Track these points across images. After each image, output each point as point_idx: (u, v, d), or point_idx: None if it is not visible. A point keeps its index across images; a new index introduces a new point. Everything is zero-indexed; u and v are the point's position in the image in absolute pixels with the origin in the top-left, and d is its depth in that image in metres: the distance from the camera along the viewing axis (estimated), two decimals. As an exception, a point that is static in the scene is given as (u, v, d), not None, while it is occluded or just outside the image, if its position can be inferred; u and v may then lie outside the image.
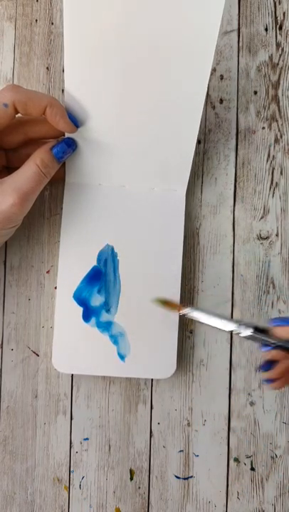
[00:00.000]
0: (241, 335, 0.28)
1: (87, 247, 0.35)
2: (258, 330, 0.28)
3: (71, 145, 0.33)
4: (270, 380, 0.30)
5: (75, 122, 0.31)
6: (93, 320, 0.35)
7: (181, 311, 0.31)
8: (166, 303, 0.34)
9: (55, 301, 0.36)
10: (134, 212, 0.35)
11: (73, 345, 0.35)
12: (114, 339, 0.35)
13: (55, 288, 0.36)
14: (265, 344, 0.28)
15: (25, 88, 0.30)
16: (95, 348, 0.35)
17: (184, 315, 0.31)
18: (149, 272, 0.35)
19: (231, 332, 0.28)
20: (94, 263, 0.35)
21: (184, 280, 0.36)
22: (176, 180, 0.35)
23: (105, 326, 0.35)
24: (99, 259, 0.35)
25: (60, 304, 0.35)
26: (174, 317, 0.35)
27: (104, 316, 0.35)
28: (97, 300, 0.35)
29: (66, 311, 0.35)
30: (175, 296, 0.35)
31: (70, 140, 0.33)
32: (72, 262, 0.35)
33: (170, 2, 0.27)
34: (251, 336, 0.28)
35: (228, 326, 0.28)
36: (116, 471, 0.36)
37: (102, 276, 0.35)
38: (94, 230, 0.35)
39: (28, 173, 0.31)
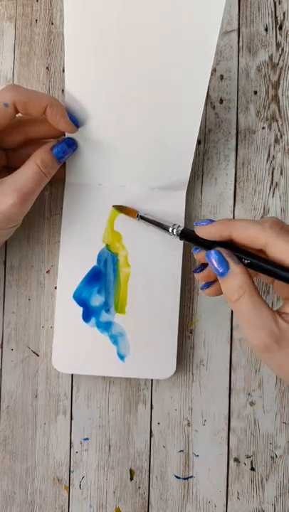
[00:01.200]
0: (174, 235, 0.31)
1: (87, 247, 0.35)
2: (185, 232, 0.31)
3: (71, 145, 0.33)
4: (204, 285, 0.31)
5: (76, 122, 0.31)
6: (93, 320, 0.35)
7: (135, 217, 0.34)
8: (122, 209, 0.35)
9: (55, 301, 0.36)
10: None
11: (73, 345, 0.35)
12: (114, 339, 0.35)
13: (55, 288, 0.36)
14: (195, 246, 0.31)
15: (26, 88, 0.30)
16: (94, 348, 0.35)
17: (138, 218, 0.34)
18: (149, 271, 0.35)
19: (169, 232, 0.32)
20: (94, 263, 0.35)
21: (184, 280, 0.36)
22: (177, 180, 0.35)
23: (105, 326, 0.35)
24: (99, 260, 0.35)
25: (60, 303, 0.35)
26: (174, 318, 0.35)
27: (104, 316, 0.35)
28: (96, 300, 0.35)
29: (66, 311, 0.35)
30: (175, 296, 0.35)
31: (70, 140, 0.33)
32: (72, 262, 0.35)
33: (170, 2, 0.27)
34: (181, 237, 0.31)
35: (167, 228, 0.32)
36: (116, 471, 0.36)
37: (102, 277, 0.35)
38: (94, 230, 0.35)
39: (29, 173, 0.31)
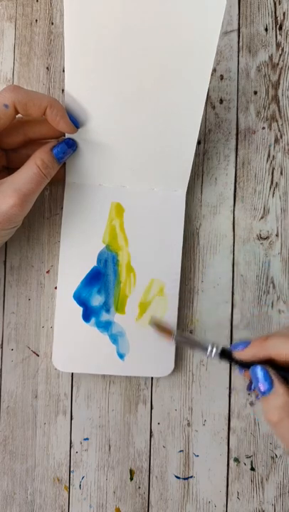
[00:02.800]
0: (213, 358, 0.30)
1: (87, 247, 0.35)
2: (225, 352, 0.30)
3: (72, 145, 0.33)
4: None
5: (75, 123, 0.31)
6: (93, 320, 0.35)
7: (169, 339, 0.32)
8: (159, 326, 0.33)
9: (55, 301, 0.36)
10: (134, 212, 0.35)
11: (73, 344, 0.35)
12: (114, 339, 0.35)
13: (55, 288, 0.36)
14: (238, 367, 0.29)
15: (26, 89, 0.30)
16: (94, 347, 0.35)
17: (173, 339, 0.32)
18: (149, 271, 0.35)
19: (208, 355, 0.30)
20: (94, 263, 0.35)
21: (184, 280, 0.36)
22: (177, 180, 0.35)
23: (105, 326, 0.35)
24: (99, 260, 0.35)
25: (60, 303, 0.35)
26: (173, 314, 0.35)
27: (104, 316, 0.35)
28: (96, 300, 0.35)
29: (66, 310, 0.35)
30: (174, 297, 0.35)
31: (70, 140, 0.33)
32: (72, 262, 0.35)
33: (170, 4, 0.27)
34: (221, 357, 0.30)
35: (205, 348, 0.30)
36: (116, 471, 0.36)
37: (101, 277, 0.35)
38: (94, 230, 0.35)
39: (29, 174, 0.31)
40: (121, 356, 0.35)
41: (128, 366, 0.35)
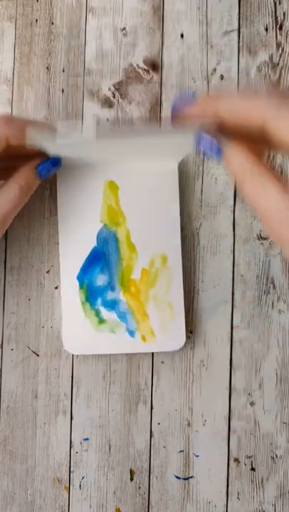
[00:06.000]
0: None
1: (86, 228, 0.35)
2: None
3: (56, 164, 0.32)
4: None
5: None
6: (99, 300, 0.35)
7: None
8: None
9: (55, 301, 0.36)
10: (128, 188, 0.35)
11: (81, 326, 0.35)
12: (122, 316, 0.35)
13: (56, 288, 0.36)
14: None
15: (19, 118, 0.29)
16: (104, 327, 0.35)
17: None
18: (150, 245, 0.35)
19: None
20: (94, 244, 0.35)
21: (184, 280, 0.36)
22: (169, 152, 0.34)
23: (112, 305, 0.35)
24: (99, 239, 0.35)
25: (65, 287, 0.35)
26: (178, 284, 0.35)
27: (110, 295, 0.35)
28: (100, 280, 0.35)
29: (71, 293, 0.35)
30: (177, 269, 0.35)
31: (55, 160, 0.32)
32: (72, 245, 0.35)
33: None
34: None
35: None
36: (116, 472, 0.36)
37: (103, 256, 0.35)
38: (90, 210, 0.35)
39: (11, 196, 0.30)
40: (131, 333, 0.35)
41: (139, 343, 0.35)
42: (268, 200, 0.22)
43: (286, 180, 0.23)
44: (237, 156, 0.23)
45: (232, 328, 0.36)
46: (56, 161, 0.32)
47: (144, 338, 0.35)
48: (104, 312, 0.35)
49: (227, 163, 0.24)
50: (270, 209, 0.22)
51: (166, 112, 0.37)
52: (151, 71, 0.37)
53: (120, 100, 0.37)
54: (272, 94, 0.22)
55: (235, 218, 0.37)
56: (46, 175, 0.32)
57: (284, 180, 0.23)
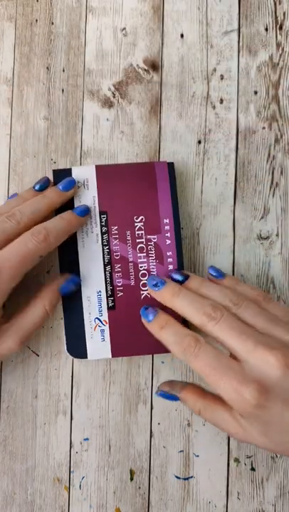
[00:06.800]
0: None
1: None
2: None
3: (76, 283, 0.34)
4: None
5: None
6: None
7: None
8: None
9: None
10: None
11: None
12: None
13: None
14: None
15: (54, 236, 0.31)
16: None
17: None
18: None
19: None
20: None
21: (184, 280, 0.36)
22: None
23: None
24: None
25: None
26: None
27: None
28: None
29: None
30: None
31: (75, 278, 0.34)
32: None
33: None
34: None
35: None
36: (116, 472, 0.36)
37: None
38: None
39: (36, 318, 0.32)
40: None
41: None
42: (226, 423, 0.29)
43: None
44: (190, 399, 0.32)
45: (232, 328, 0.36)
46: (76, 280, 0.34)
47: None
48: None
49: (183, 402, 0.32)
50: (228, 429, 0.29)
51: (166, 112, 0.37)
52: (151, 71, 0.37)
53: (120, 100, 0.37)
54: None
55: (235, 218, 0.37)
56: (67, 292, 0.34)
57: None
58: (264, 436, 0.27)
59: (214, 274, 0.34)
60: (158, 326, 0.31)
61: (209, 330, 0.29)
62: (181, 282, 0.33)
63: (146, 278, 0.34)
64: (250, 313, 0.30)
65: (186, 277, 0.33)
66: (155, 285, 0.32)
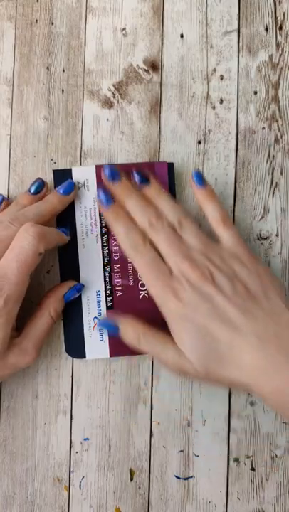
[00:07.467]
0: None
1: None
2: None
3: (80, 289, 0.34)
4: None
5: (65, 232, 0.34)
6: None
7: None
8: None
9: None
10: None
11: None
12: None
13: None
14: None
15: (46, 231, 0.31)
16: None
17: None
18: None
19: None
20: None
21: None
22: None
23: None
24: None
25: None
26: None
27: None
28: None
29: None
30: None
31: (79, 286, 0.34)
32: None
33: None
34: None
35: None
36: (116, 472, 0.36)
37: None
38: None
39: (43, 325, 0.33)
40: None
41: None
42: (165, 352, 0.31)
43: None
44: (129, 327, 0.32)
45: (232, 328, 0.36)
46: (79, 287, 0.34)
47: None
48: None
49: (123, 335, 0.32)
50: (167, 357, 0.30)
51: (166, 112, 0.37)
52: (151, 71, 0.37)
53: (120, 100, 0.37)
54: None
55: (235, 218, 0.37)
56: (70, 298, 0.34)
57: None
58: (194, 352, 0.29)
59: (195, 178, 0.34)
60: (112, 217, 0.33)
61: (149, 233, 0.32)
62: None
63: None
64: (189, 232, 0.33)
65: (147, 180, 0.34)
66: (112, 178, 0.33)
